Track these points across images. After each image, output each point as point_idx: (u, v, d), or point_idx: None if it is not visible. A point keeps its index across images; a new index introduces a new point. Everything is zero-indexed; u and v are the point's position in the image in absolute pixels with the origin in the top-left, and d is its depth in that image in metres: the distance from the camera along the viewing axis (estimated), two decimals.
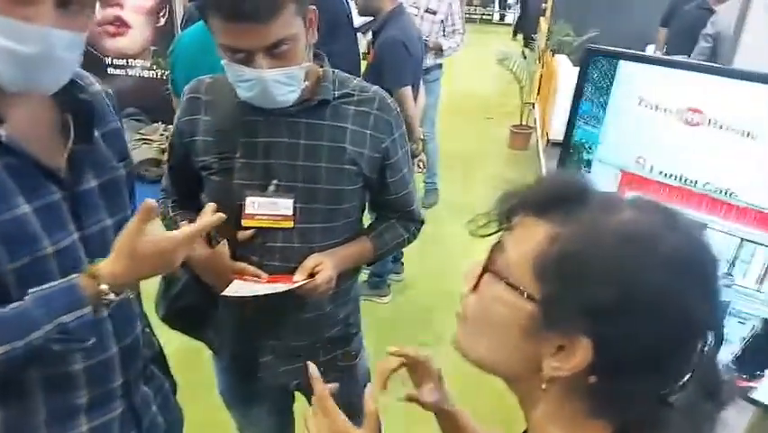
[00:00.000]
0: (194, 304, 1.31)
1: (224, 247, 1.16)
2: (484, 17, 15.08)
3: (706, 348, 0.52)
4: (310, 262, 1.15)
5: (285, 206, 1.15)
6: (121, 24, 4.21)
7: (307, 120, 1.15)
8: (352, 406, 1.39)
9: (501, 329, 0.56)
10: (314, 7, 1.08)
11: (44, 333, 0.79)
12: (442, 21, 3.65)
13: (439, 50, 3.62)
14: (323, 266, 1.14)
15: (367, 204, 1.33)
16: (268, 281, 1.14)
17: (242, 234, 1.16)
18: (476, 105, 6.86)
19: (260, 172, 1.15)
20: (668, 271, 0.49)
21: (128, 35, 4.21)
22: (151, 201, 0.85)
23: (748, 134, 1.06)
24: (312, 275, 1.14)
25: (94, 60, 4.19)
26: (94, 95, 0.96)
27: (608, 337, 0.49)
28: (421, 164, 2.90)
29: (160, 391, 1.12)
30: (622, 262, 0.49)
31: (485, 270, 0.59)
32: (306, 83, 1.09)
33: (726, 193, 1.10)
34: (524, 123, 5.61)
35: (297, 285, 1.12)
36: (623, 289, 0.49)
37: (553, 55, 5.53)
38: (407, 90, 2.58)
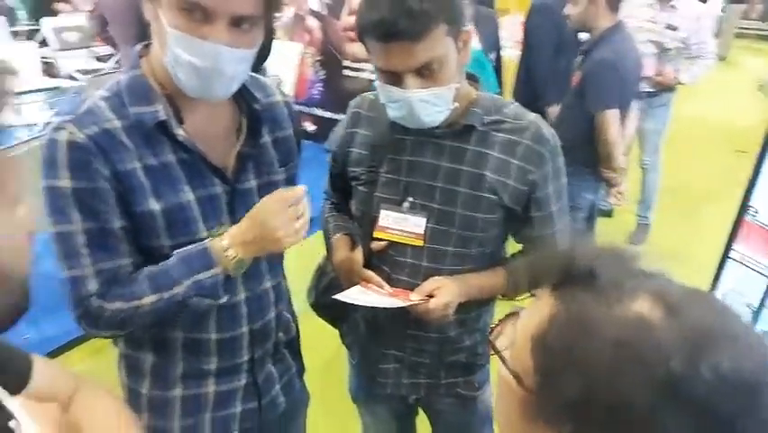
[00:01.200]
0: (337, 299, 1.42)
1: (358, 254, 1.23)
2: (761, 33, 12.80)
3: None
4: (429, 284, 1.16)
5: (416, 223, 1.17)
6: None
7: (452, 143, 1.15)
8: None
9: (506, 407, 0.52)
10: (468, 29, 1.08)
11: (184, 288, 0.96)
12: (683, 40, 3.21)
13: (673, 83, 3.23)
14: (441, 291, 1.14)
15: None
16: (390, 295, 1.18)
17: (375, 245, 1.22)
18: (721, 137, 5.91)
19: (399, 189, 1.19)
20: (662, 396, 0.40)
21: None
22: (302, 188, 0.99)
23: None
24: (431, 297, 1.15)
25: (334, 61, 4.73)
26: (272, 104, 1.11)
27: None
28: (620, 196, 2.64)
29: (286, 373, 1.25)
30: (609, 369, 0.42)
31: (490, 345, 0.55)
32: (456, 104, 1.10)
33: None
34: None
35: (410, 304, 1.14)
36: (602, 398, 0.42)
37: None
38: (611, 114, 2.38)
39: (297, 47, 4.81)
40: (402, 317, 1.24)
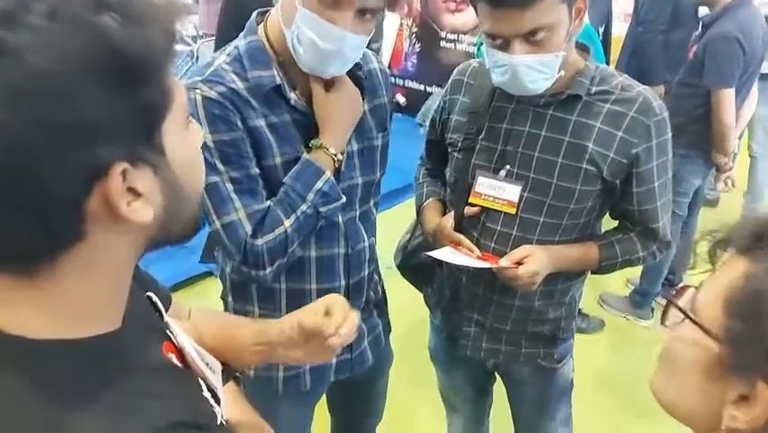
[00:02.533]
0: (424, 260, 1.46)
1: (449, 219, 1.26)
2: None
3: None
4: (519, 251, 1.16)
5: (511, 192, 1.18)
6: (462, 1, 4.59)
7: (554, 112, 1.14)
8: (541, 405, 1.38)
9: (686, 371, 0.55)
10: None
11: (310, 201, 1.04)
12: None
13: None
14: (531, 259, 1.15)
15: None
16: (478, 258, 1.20)
17: (468, 210, 1.24)
18: None
19: (496, 156, 1.20)
20: None
21: (466, 12, 4.57)
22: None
23: None
24: (519, 265, 1.16)
25: (432, 32, 4.71)
26: (371, 72, 1.15)
27: None
28: (729, 181, 2.48)
29: (372, 331, 1.31)
30: None
31: (671, 304, 0.57)
32: (562, 73, 1.08)
33: None
34: None
35: (498, 267, 1.15)
36: None
37: None
38: (729, 93, 2.22)
39: (395, 18, 4.82)
40: (487, 283, 1.27)
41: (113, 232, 0.47)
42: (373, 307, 1.31)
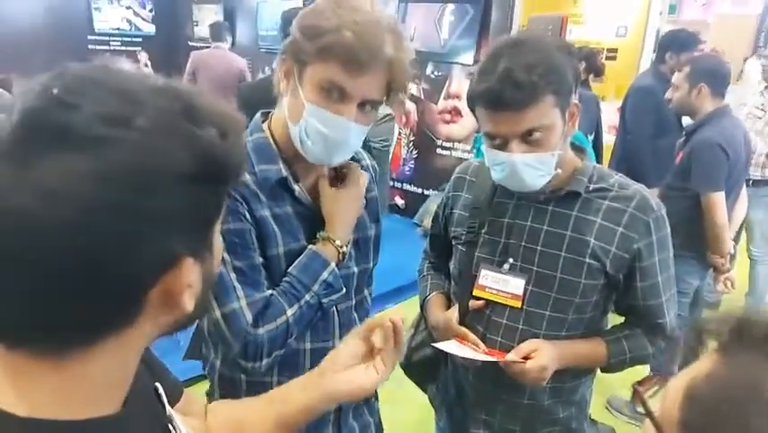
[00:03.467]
0: (428, 357, 1.43)
1: (453, 312, 1.26)
2: None
3: None
4: (527, 345, 1.15)
5: (516, 285, 1.19)
6: (456, 114, 4.88)
7: (554, 208, 1.18)
8: None
9: None
10: (577, 102, 1.13)
11: (314, 291, 1.05)
12: None
13: None
14: (539, 353, 1.13)
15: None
16: (484, 352, 1.18)
17: (472, 303, 1.24)
18: None
19: (499, 250, 1.22)
20: None
21: (459, 123, 4.84)
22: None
23: None
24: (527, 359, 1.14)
25: (428, 140, 4.95)
26: (365, 168, 1.20)
27: None
28: (729, 283, 2.49)
29: (366, 429, 1.26)
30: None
31: (637, 396, 0.56)
32: (559, 171, 1.13)
33: None
34: None
35: (505, 361, 1.13)
36: None
37: None
38: (718, 197, 2.29)
39: (394, 128, 5.09)
40: (495, 380, 1.24)
41: (156, 319, 0.48)
42: (363, 404, 1.27)
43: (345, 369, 0.80)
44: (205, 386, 1.21)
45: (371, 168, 1.24)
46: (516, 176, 1.11)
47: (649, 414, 0.52)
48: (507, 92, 1.02)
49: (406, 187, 5.15)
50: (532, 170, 1.10)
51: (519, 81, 1.02)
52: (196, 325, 1.05)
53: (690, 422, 0.47)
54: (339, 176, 1.13)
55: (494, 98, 1.05)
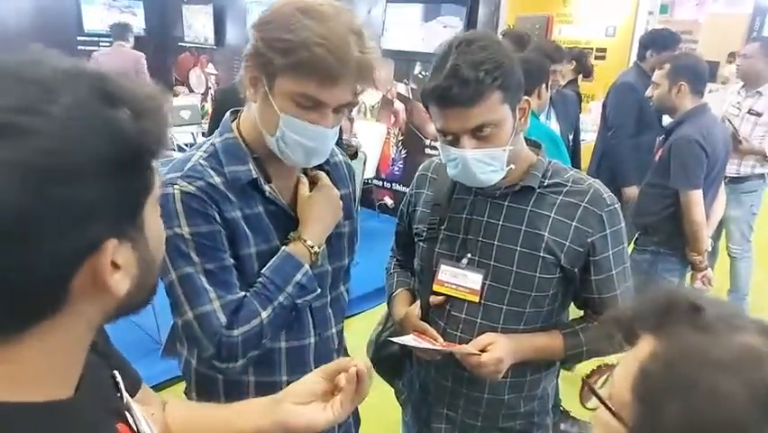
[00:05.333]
0: (394, 353, 1.44)
1: (415, 308, 1.27)
2: None
3: None
4: (484, 338, 1.16)
5: (473, 280, 1.20)
6: None
7: (509, 203, 1.19)
8: None
9: None
10: (527, 98, 1.14)
11: (288, 293, 1.05)
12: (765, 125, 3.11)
13: (762, 156, 3.09)
14: (495, 346, 1.14)
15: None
16: (442, 346, 1.19)
17: (432, 299, 1.25)
18: None
19: (458, 245, 1.23)
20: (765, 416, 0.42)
21: None
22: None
23: None
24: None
25: (417, 140, 4.96)
26: (336, 164, 1.21)
27: None
28: (706, 281, 2.50)
29: (344, 423, 1.27)
30: (714, 392, 0.44)
31: (587, 386, 0.57)
32: (512, 166, 1.14)
33: None
34: None
35: (462, 351, 1.14)
36: (706, 421, 0.44)
37: None
38: (695, 195, 2.31)
39: (383, 128, 5.10)
40: (456, 375, 1.25)
41: (87, 304, 0.49)
42: None
43: (304, 402, 0.80)
44: (183, 387, 1.22)
45: (343, 164, 1.24)
46: (468, 171, 1.12)
47: (601, 401, 0.54)
48: (455, 89, 1.03)
49: (396, 186, 5.15)
50: (483, 165, 1.11)
51: (466, 78, 1.03)
52: (173, 321, 1.06)
53: (647, 398, 0.49)
54: (310, 179, 1.13)
55: (442, 95, 1.06)
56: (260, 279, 1.05)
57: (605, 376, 0.58)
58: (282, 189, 1.10)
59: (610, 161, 3.11)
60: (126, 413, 0.61)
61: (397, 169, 5.16)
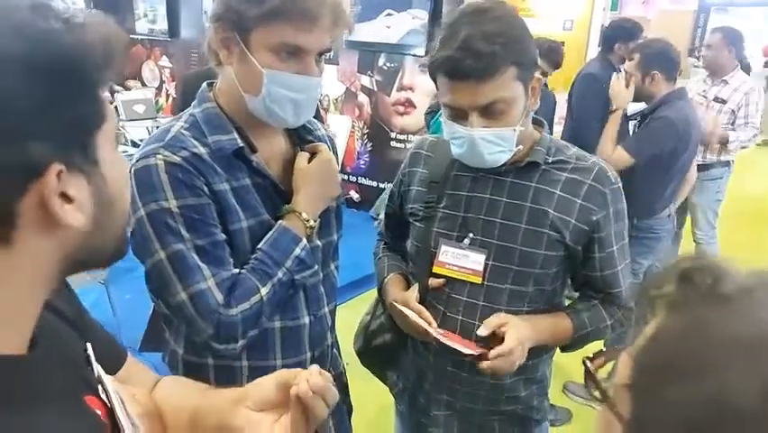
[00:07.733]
0: (387, 343, 1.38)
1: (413, 291, 1.21)
2: None
3: None
4: (495, 319, 1.10)
5: (476, 260, 1.15)
6: (409, 105, 4.85)
7: (513, 180, 1.15)
8: None
9: None
10: (539, 76, 1.10)
11: (287, 268, 1.00)
12: (732, 111, 3.22)
13: (723, 144, 3.18)
14: (509, 327, 1.08)
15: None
16: (441, 334, 1.13)
17: (432, 281, 1.20)
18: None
19: (458, 224, 1.18)
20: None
21: (413, 114, 4.81)
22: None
23: None
24: (491, 342, 1.09)
25: (383, 133, 4.90)
26: (319, 138, 1.16)
27: None
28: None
29: (337, 409, 1.20)
30: (718, 381, 0.38)
31: (588, 374, 0.52)
32: (520, 147, 1.10)
33: None
34: None
35: (482, 352, 1.08)
36: (709, 400, 0.37)
37: None
38: (626, 160, 2.34)
39: (347, 120, 5.02)
40: (455, 361, 1.19)
41: (40, 239, 0.46)
42: (334, 381, 1.22)
43: (257, 409, 0.70)
44: None
45: (327, 137, 1.19)
46: (475, 151, 1.07)
47: (597, 385, 0.49)
48: (467, 61, 0.98)
49: (362, 180, 5.08)
50: (492, 145, 1.06)
51: (480, 50, 0.97)
52: (152, 312, 0.98)
53: (642, 383, 0.43)
54: (310, 149, 1.10)
55: (454, 67, 1.00)
56: (256, 254, 0.99)
57: (609, 360, 0.52)
58: (269, 160, 1.05)
59: (577, 143, 3.13)
60: (99, 387, 0.58)
61: (362, 162, 5.09)
